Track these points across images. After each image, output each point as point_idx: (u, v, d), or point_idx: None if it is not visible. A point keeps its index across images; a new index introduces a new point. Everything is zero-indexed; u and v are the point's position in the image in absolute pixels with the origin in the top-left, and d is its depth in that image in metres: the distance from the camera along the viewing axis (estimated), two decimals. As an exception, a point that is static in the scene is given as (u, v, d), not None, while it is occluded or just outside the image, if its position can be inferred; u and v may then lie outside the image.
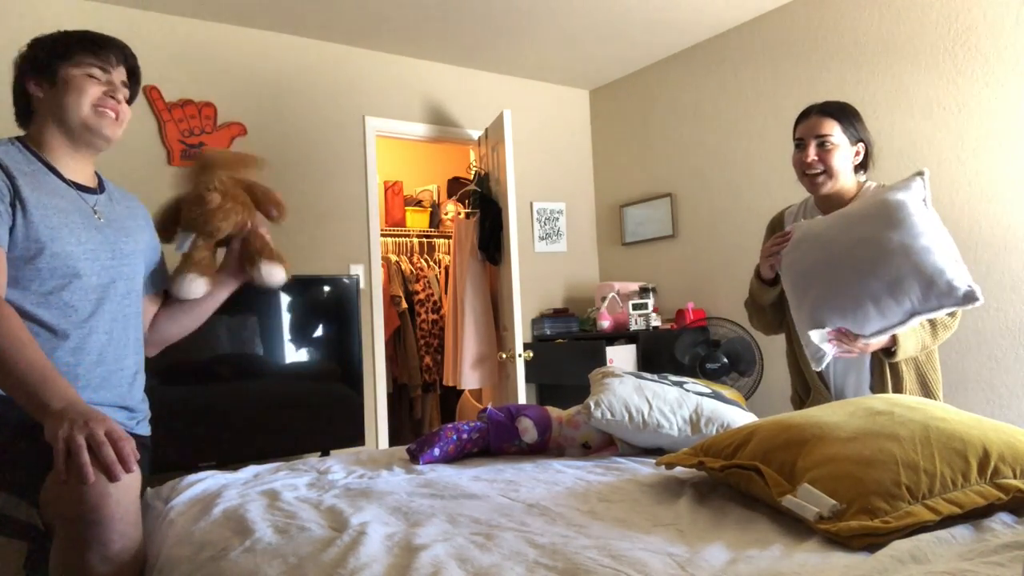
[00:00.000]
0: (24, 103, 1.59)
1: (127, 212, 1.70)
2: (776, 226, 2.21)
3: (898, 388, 1.92)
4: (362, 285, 3.72)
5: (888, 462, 1.10)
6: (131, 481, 1.24)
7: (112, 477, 1.18)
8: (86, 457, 1.16)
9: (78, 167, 1.60)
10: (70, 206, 1.54)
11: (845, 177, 1.99)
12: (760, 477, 1.23)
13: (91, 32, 1.61)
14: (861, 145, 2.01)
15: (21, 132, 1.62)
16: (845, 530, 1.02)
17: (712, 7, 3.60)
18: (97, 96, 1.56)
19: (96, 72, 1.56)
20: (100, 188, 1.67)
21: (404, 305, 4.67)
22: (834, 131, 1.97)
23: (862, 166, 2.04)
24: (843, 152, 1.98)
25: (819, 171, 1.98)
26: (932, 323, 1.88)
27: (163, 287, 1.81)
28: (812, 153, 1.98)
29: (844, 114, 2.01)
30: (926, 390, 1.93)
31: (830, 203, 2.05)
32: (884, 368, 1.92)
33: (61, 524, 1.26)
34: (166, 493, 1.60)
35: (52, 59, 1.54)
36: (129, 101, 1.65)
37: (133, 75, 1.66)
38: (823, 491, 1.10)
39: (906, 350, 1.85)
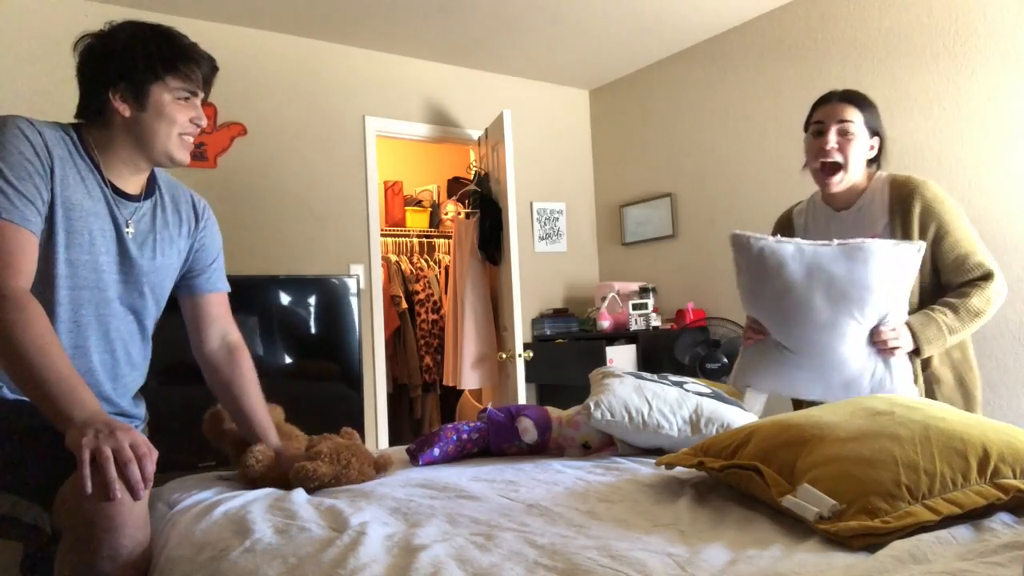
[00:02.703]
0: (97, 104, 1.47)
1: (172, 220, 1.63)
2: (784, 224, 2.17)
3: (931, 392, 1.88)
4: (362, 285, 3.72)
5: (888, 462, 1.10)
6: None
7: (136, 496, 1.15)
8: (114, 474, 1.11)
9: (131, 175, 1.53)
10: (102, 210, 1.48)
11: (857, 172, 1.93)
12: (760, 477, 1.23)
13: (183, 44, 1.53)
14: (877, 139, 1.95)
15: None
16: (845, 530, 1.02)
17: (712, 7, 3.60)
18: (185, 125, 1.51)
19: (187, 96, 1.51)
20: (148, 193, 1.58)
21: (404, 305, 4.67)
22: (856, 119, 1.90)
23: (875, 161, 1.98)
24: (861, 144, 1.91)
25: (836, 161, 1.90)
26: (953, 307, 1.81)
27: (213, 289, 1.75)
28: (832, 140, 1.90)
29: (866, 103, 1.94)
30: (964, 390, 1.89)
31: (837, 198, 2.00)
32: (917, 369, 1.86)
33: (71, 528, 1.25)
34: (167, 494, 1.60)
35: (146, 82, 1.46)
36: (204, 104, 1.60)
37: (208, 81, 1.59)
38: (823, 491, 1.10)
39: (928, 338, 1.78)
